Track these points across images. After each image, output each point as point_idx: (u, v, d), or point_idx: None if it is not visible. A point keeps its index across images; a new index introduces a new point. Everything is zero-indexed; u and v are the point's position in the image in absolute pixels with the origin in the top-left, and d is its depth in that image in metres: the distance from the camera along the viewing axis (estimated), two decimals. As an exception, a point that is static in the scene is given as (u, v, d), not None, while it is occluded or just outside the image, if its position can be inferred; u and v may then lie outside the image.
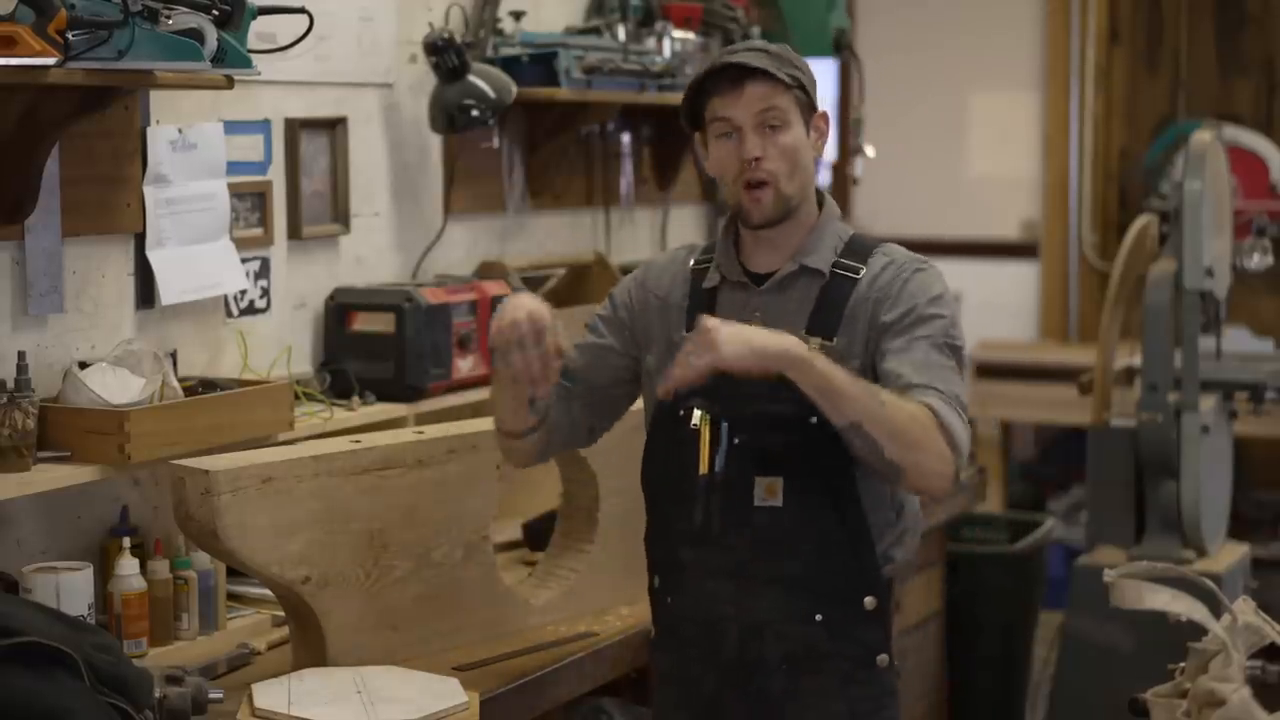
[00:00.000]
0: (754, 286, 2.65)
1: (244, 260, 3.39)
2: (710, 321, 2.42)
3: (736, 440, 2.56)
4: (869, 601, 2.59)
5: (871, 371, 2.55)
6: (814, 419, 2.49)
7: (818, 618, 2.58)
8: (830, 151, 5.52)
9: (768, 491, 2.56)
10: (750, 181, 2.58)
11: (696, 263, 2.73)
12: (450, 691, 2.72)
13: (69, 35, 2.57)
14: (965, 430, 2.50)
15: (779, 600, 2.59)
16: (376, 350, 3.58)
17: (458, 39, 3.76)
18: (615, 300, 2.81)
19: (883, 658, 2.62)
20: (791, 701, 2.61)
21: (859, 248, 2.65)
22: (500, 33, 4.04)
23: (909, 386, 2.49)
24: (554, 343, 2.51)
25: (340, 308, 3.64)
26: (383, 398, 3.54)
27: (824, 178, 6.21)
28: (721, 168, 2.62)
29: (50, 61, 2.56)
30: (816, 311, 2.59)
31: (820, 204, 2.69)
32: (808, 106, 2.62)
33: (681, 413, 2.60)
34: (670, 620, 2.74)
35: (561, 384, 2.72)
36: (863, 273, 2.60)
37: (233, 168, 3.35)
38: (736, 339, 2.39)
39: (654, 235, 4.87)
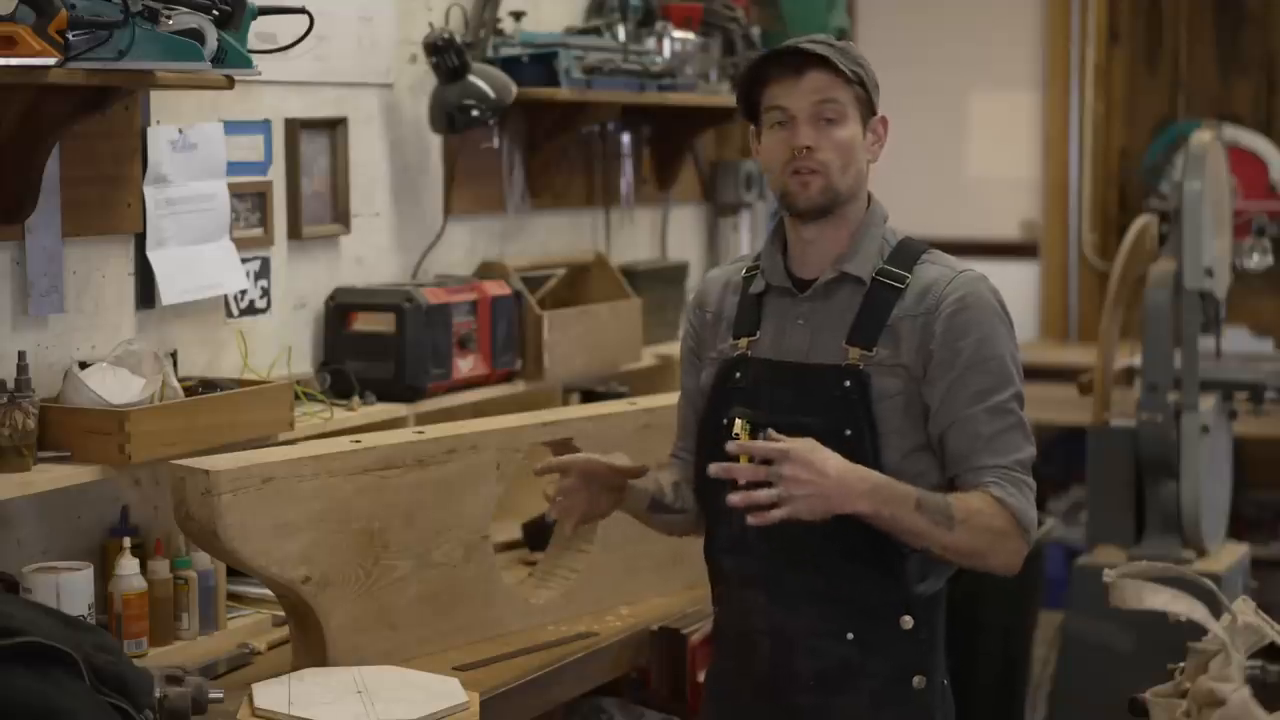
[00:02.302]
0: (798, 293, 2.58)
1: (244, 260, 3.39)
2: (789, 470, 2.36)
3: None
4: (906, 621, 2.53)
5: (919, 394, 2.49)
6: (848, 431, 2.47)
7: (849, 635, 2.53)
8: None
9: None
10: (799, 169, 2.50)
11: (748, 270, 2.67)
12: (450, 691, 2.72)
13: (69, 35, 2.57)
14: (1033, 503, 2.49)
15: (810, 615, 2.54)
16: (376, 350, 3.58)
17: (458, 39, 3.76)
18: (684, 338, 2.77)
19: (919, 679, 2.55)
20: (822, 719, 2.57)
21: (905, 254, 2.56)
22: (500, 33, 4.04)
23: (978, 468, 2.47)
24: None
25: (340, 308, 3.64)
26: (383, 398, 3.54)
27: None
28: (770, 156, 2.54)
29: (50, 61, 2.56)
30: (857, 322, 2.53)
31: (867, 207, 2.60)
32: (867, 106, 2.53)
33: (725, 421, 2.55)
34: (716, 630, 2.73)
35: (681, 453, 2.74)
36: (908, 282, 2.53)
37: (233, 168, 3.35)
38: (818, 505, 2.37)
39: (654, 235, 4.87)
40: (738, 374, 2.59)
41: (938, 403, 2.49)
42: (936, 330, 2.49)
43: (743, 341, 2.60)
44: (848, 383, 2.49)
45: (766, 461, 2.37)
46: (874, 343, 2.50)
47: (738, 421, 2.52)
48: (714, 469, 2.41)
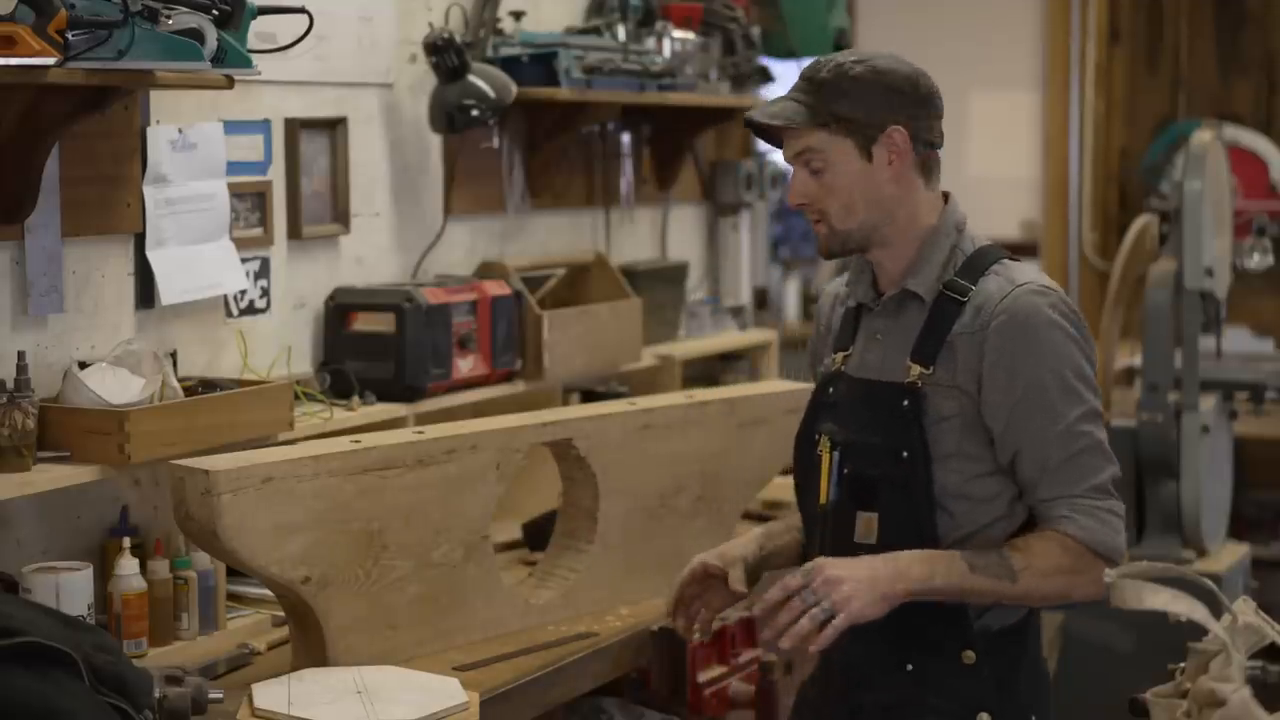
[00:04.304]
0: (875, 309, 2.56)
1: (244, 260, 3.39)
2: (821, 584, 2.35)
3: (846, 470, 2.49)
4: (968, 655, 2.48)
5: (977, 410, 2.42)
6: (905, 453, 2.42)
7: (909, 667, 2.50)
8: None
9: (865, 528, 2.47)
10: (809, 217, 2.52)
11: (849, 283, 2.65)
12: (450, 691, 2.72)
13: (69, 35, 2.57)
14: (1117, 527, 2.44)
15: (873, 645, 2.50)
16: (376, 350, 3.57)
17: (458, 39, 3.76)
18: (809, 347, 2.78)
19: (984, 716, 2.49)
20: None
21: (975, 265, 2.48)
22: (500, 33, 4.03)
23: (1048, 501, 2.42)
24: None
25: (340, 308, 3.64)
26: (383, 398, 3.54)
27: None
28: None
29: (50, 61, 2.56)
30: (920, 338, 2.47)
31: (940, 216, 2.52)
32: (866, 133, 2.44)
33: (816, 436, 2.55)
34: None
35: None
36: (969, 295, 2.45)
37: (233, 168, 3.35)
38: (868, 607, 2.35)
39: (654, 235, 4.87)
40: (830, 389, 2.58)
41: (1001, 428, 2.42)
42: (987, 350, 2.42)
43: (839, 356, 2.59)
44: (906, 401, 2.44)
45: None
46: (933, 360, 2.45)
47: (820, 438, 2.54)
48: (761, 628, 2.48)
